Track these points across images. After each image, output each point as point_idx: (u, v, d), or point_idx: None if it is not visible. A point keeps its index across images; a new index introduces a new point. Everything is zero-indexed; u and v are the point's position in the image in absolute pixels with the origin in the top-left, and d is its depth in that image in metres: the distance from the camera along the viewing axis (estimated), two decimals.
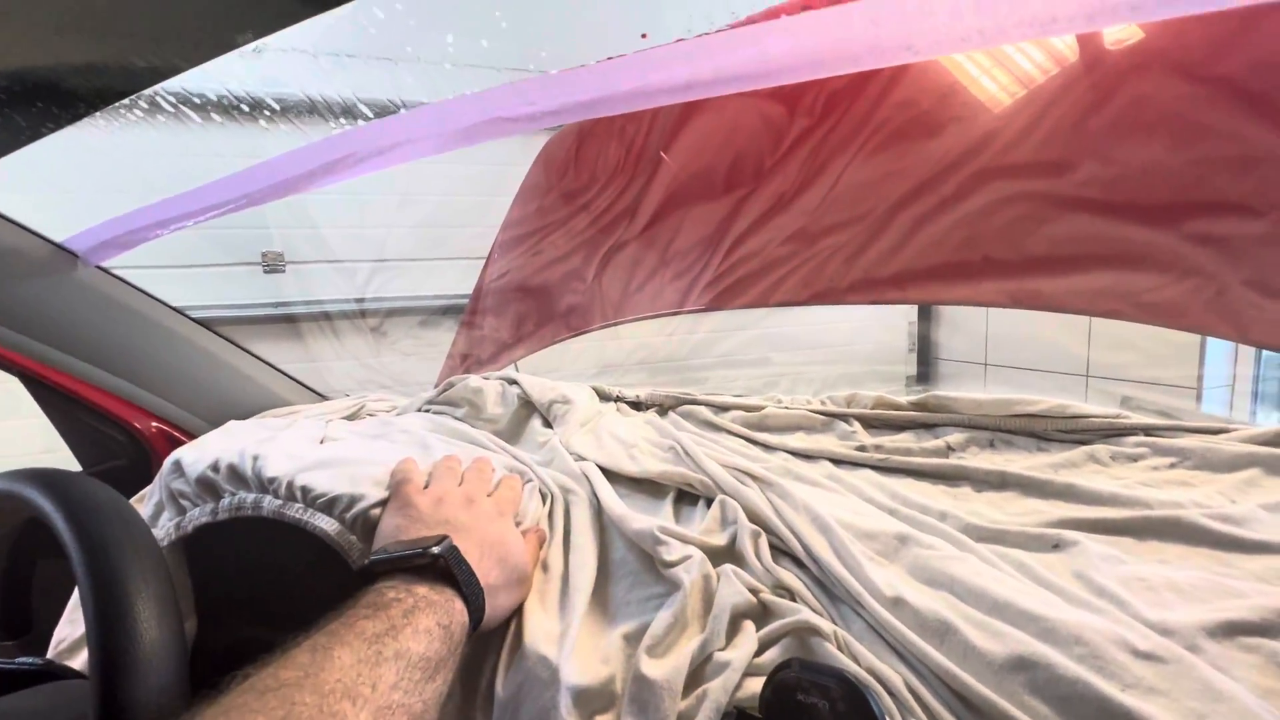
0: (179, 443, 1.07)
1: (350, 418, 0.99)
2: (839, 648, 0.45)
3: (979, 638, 0.43)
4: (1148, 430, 0.68)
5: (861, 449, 0.75)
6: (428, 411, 0.95)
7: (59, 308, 0.76)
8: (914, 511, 0.60)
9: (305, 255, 1.70)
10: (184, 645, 0.38)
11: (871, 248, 0.80)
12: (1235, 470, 0.60)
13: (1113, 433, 0.69)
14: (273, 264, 2.29)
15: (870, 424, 0.80)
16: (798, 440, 0.79)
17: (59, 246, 0.74)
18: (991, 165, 0.72)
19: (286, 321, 1.63)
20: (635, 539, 0.58)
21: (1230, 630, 0.42)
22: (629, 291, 0.96)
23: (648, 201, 0.90)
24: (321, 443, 0.78)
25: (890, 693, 0.42)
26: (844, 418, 0.82)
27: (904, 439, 0.76)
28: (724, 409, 0.89)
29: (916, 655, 0.43)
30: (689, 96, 0.56)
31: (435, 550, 0.46)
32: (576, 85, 0.54)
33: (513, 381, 0.94)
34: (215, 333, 1.00)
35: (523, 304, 1.04)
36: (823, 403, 0.86)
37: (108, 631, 0.35)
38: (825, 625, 0.47)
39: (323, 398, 1.13)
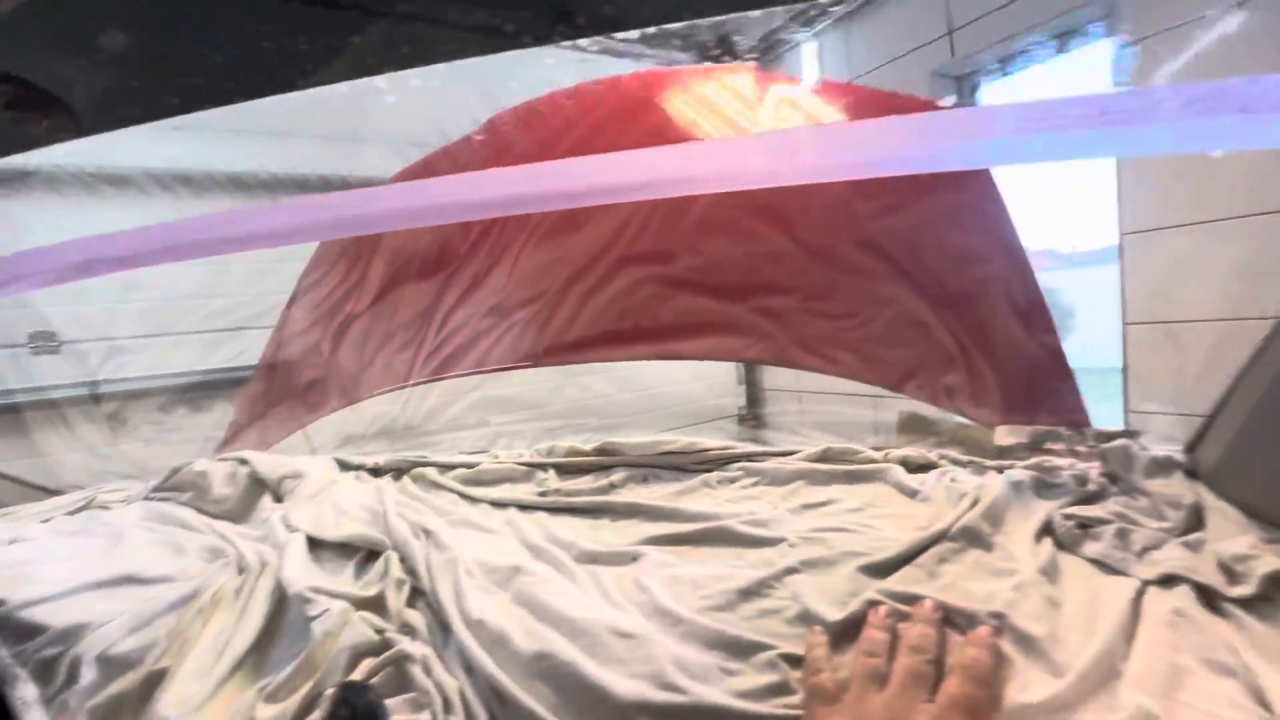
0: None
1: (77, 512, 0.97)
2: (424, 669, 0.56)
3: (523, 642, 0.56)
4: (749, 457, 0.87)
5: (544, 494, 0.88)
6: (152, 499, 0.96)
7: None
8: (550, 545, 0.73)
9: (113, 333, 1.57)
10: None
11: (555, 318, 0.96)
12: (789, 483, 0.80)
13: (726, 461, 0.87)
14: (43, 345, 2.09)
15: (563, 470, 0.94)
16: (501, 491, 0.91)
17: None
18: (626, 254, 0.90)
19: (10, 412, 1.49)
20: (293, 601, 0.66)
21: (705, 609, 0.58)
22: (363, 363, 1.04)
23: (372, 279, 1.00)
24: (11, 543, 0.78)
25: (445, 699, 0.53)
26: (542, 467, 0.95)
27: (584, 481, 0.91)
28: (449, 467, 0.99)
29: (478, 664, 0.55)
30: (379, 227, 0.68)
31: None
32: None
33: (244, 461, 0.98)
34: None
35: (264, 382, 1.08)
36: (533, 455, 0.99)
37: None
38: (418, 652, 0.57)
39: (51, 493, 1.08)
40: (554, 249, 0.93)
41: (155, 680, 0.61)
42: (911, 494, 0.73)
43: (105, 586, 0.67)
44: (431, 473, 0.99)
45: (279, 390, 1.05)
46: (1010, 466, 0.74)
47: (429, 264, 0.99)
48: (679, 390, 3.32)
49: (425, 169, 1.00)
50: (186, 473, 0.96)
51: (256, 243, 0.55)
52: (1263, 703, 0.42)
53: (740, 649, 0.53)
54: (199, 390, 1.55)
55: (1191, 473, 0.61)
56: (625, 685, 0.49)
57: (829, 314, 0.82)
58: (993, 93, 2.36)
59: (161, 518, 0.86)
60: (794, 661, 0.52)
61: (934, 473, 0.76)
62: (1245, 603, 0.49)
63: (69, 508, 0.98)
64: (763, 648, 0.53)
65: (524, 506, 0.87)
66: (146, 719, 0.58)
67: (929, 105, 1.09)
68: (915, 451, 0.80)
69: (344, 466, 1.05)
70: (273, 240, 0.56)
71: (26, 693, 0.57)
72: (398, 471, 1.03)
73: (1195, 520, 0.58)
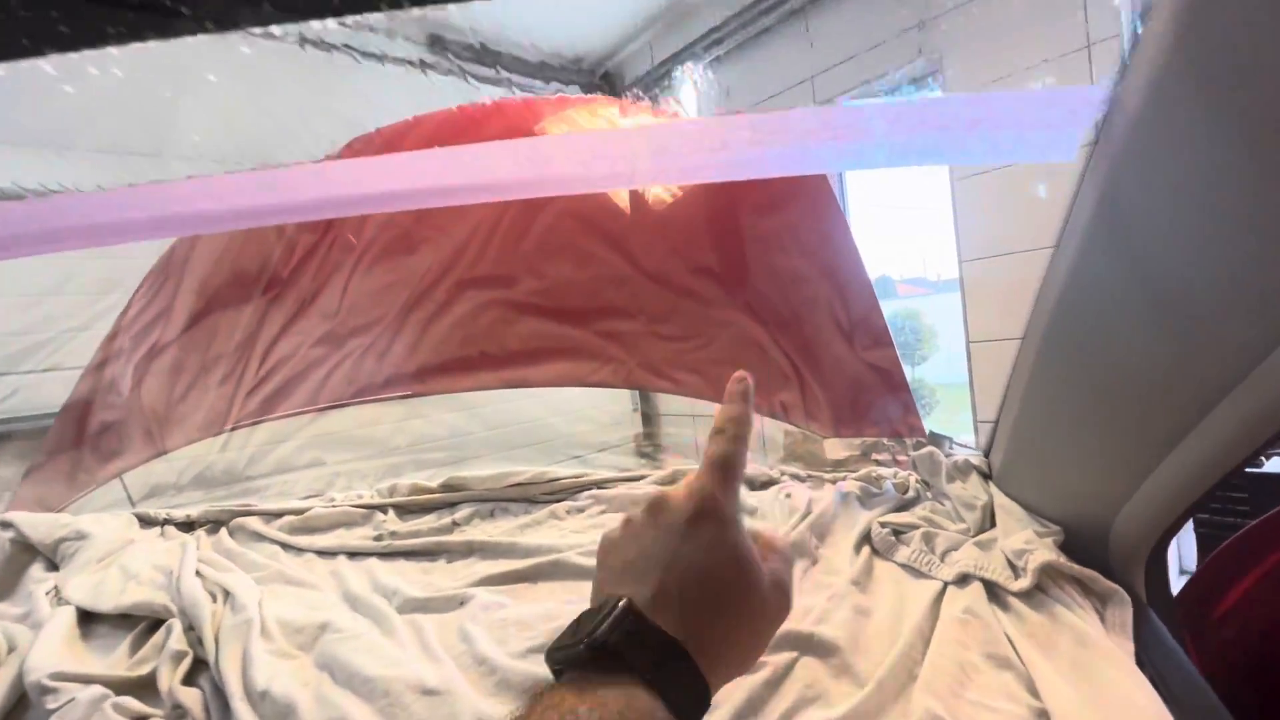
0: None
1: None
2: None
3: (311, 712, 0.49)
4: (600, 484, 0.85)
5: (379, 538, 0.81)
6: None
7: None
8: (373, 595, 0.66)
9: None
10: None
11: (395, 346, 0.89)
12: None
13: (577, 489, 0.84)
14: None
15: (404, 510, 0.87)
16: (332, 538, 0.83)
17: None
18: (465, 277, 0.86)
19: None
20: (30, 692, 0.54)
21: (524, 653, 0.54)
22: (173, 401, 0.92)
23: (181, 303, 0.89)
24: None
25: None
26: (382, 508, 0.87)
27: (426, 520, 0.84)
28: (276, 515, 0.89)
29: None
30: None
31: (599, 632, 0.28)
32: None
33: (7, 525, 0.83)
34: None
35: (55, 430, 0.92)
36: (373, 495, 0.91)
37: None
38: None
39: None
40: (388, 272, 0.87)
41: None
42: (751, 511, 0.74)
43: None
44: (254, 522, 0.88)
45: (62, 438, 0.90)
46: (844, 478, 0.77)
47: (247, 286, 0.89)
48: (580, 414, 3.26)
49: None
50: None
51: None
52: (1033, 691, 0.45)
53: None
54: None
55: (986, 475, 0.66)
56: None
57: (671, 336, 0.82)
58: None
59: None
60: None
61: (773, 489, 0.77)
62: (1025, 595, 0.53)
63: None
64: None
65: (353, 554, 0.79)
66: None
67: None
68: (758, 470, 0.82)
69: (145, 523, 0.91)
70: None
71: None
72: (215, 524, 0.91)
73: (988, 520, 0.62)
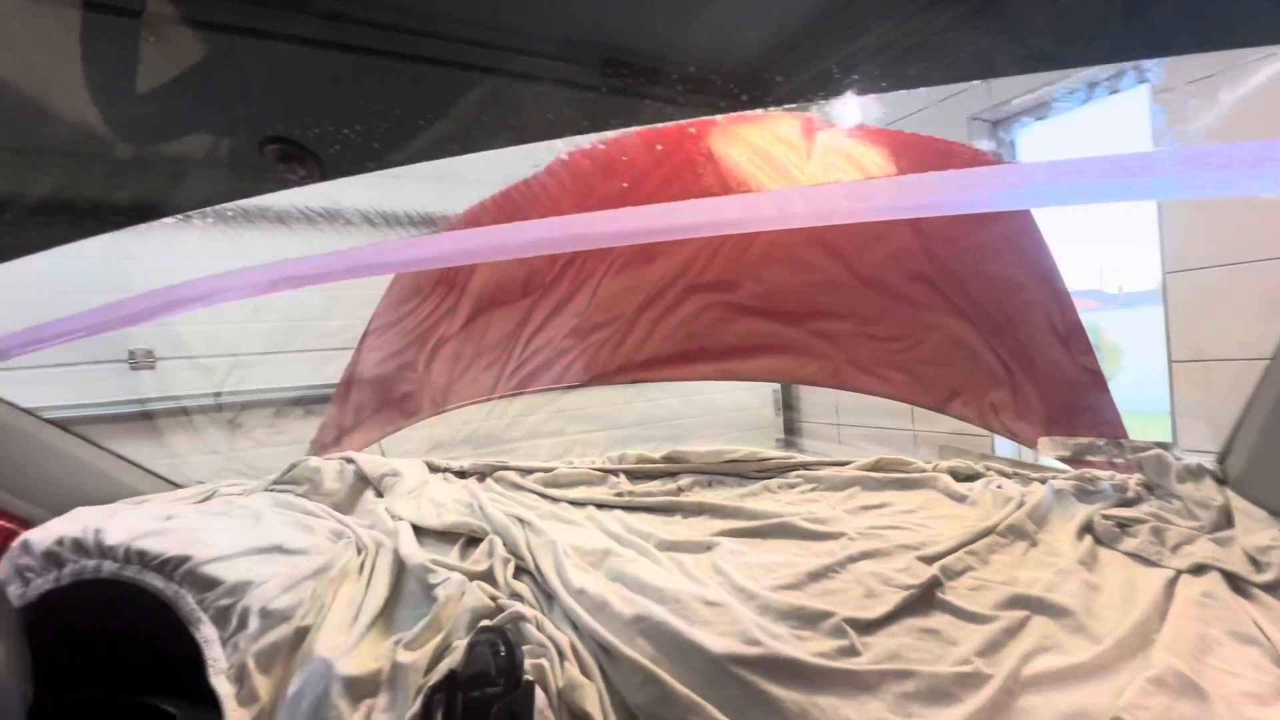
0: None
1: (202, 502, 1.11)
2: (536, 626, 0.65)
3: (621, 607, 0.65)
4: (806, 466, 0.95)
5: (619, 495, 0.98)
6: (272, 490, 1.09)
7: None
8: (630, 535, 0.83)
9: (165, 353, 1.80)
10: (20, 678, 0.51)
11: (628, 340, 1.07)
12: (846, 489, 0.88)
13: (786, 469, 0.96)
14: (141, 361, 2.32)
15: (634, 475, 1.04)
16: (577, 492, 1.02)
17: None
18: (693, 283, 1.01)
19: (144, 419, 1.68)
20: (414, 572, 0.76)
21: (777, 587, 0.66)
22: (452, 379, 1.17)
23: (463, 306, 1.14)
24: (167, 519, 0.91)
25: (558, 649, 0.62)
26: (614, 472, 1.05)
27: (653, 485, 1.00)
28: (528, 472, 1.10)
29: (583, 624, 0.65)
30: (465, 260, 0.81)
31: None
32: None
33: (350, 460, 1.11)
34: (69, 431, 1.10)
35: (362, 393, 1.22)
36: (604, 462, 1.10)
37: None
38: (530, 613, 0.67)
39: (177, 486, 1.23)
40: (629, 278, 1.05)
41: (302, 634, 0.72)
42: (960, 499, 0.80)
43: (261, 553, 0.78)
44: (512, 475, 1.10)
45: (378, 400, 1.18)
46: (1053, 476, 0.81)
47: (516, 292, 1.12)
48: (722, 415, 3.37)
49: (493, 206, 1.14)
50: (303, 467, 1.09)
51: (409, 265, 0.68)
52: None
53: (810, 617, 0.62)
54: (307, 401, 1.72)
55: (1221, 480, 0.68)
56: (717, 641, 0.58)
57: (882, 336, 0.91)
58: (1029, 137, 2.45)
59: (287, 505, 0.98)
60: (857, 625, 0.60)
61: (980, 481, 0.83)
62: (1268, 587, 0.56)
63: (196, 498, 1.12)
64: (828, 615, 0.61)
65: (600, 505, 0.96)
66: (299, 662, 0.68)
67: (969, 151, 1.19)
68: (962, 463, 0.88)
69: (432, 469, 1.16)
70: (425, 263, 0.69)
71: (208, 633, 0.69)
72: (481, 474, 1.14)
73: (1224, 520, 0.64)
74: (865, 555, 0.70)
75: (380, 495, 1.08)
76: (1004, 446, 3.34)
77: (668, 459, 1.04)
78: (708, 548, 0.77)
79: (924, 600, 0.61)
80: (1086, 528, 0.69)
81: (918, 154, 0.96)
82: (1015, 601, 0.59)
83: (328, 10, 0.44)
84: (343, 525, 0.91)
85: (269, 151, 0.48)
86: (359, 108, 0.49)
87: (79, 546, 0.74)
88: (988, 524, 0.70)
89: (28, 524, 1.13)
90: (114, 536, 0.74)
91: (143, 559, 0.72)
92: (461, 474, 1.16)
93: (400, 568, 0.80)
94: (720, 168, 0.99)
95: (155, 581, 0.71)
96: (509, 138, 0.57)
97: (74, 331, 0.81)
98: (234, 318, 1.80)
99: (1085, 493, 0.76)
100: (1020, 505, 0.74)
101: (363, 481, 1.09)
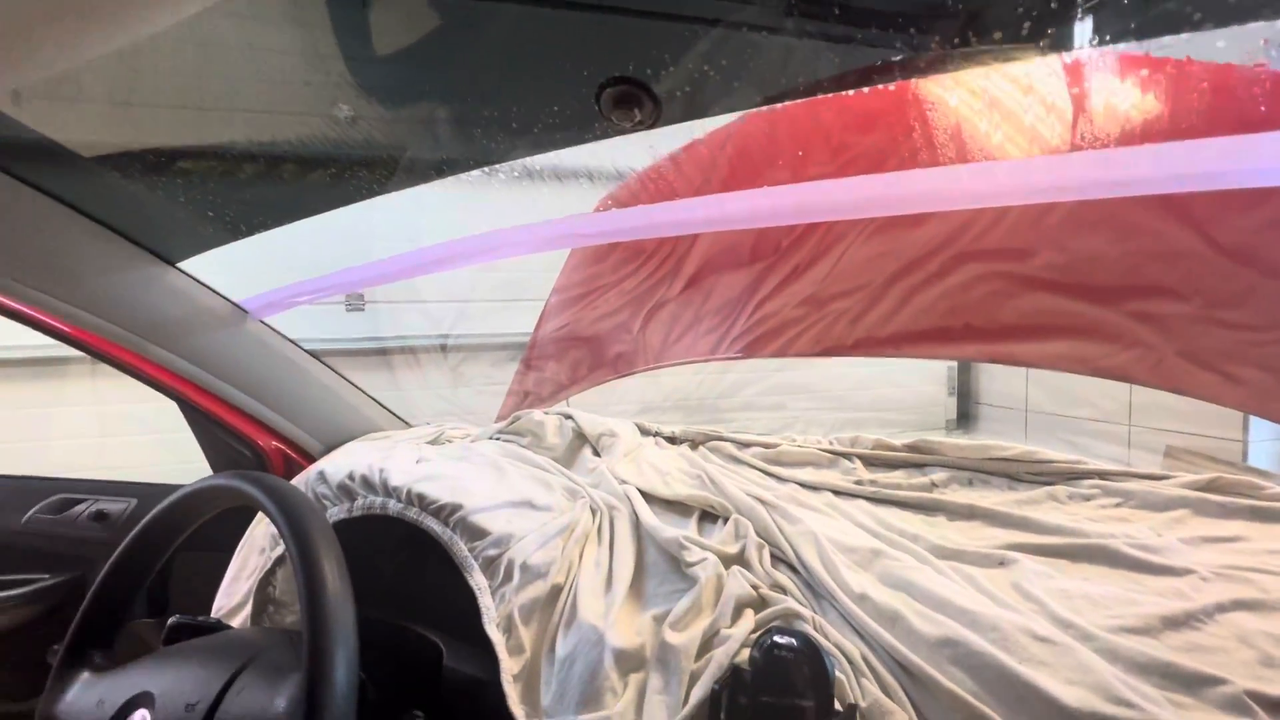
0: (291, 458, 1.29)
1: (433, 443, 1.19)
2: (815, 629, 0.60)
3: (920, 624, 0.57)
4: (1102, 475, 0.79)
5: (859, 483, 0.89)
6: (497, 439, 1.14)
7: (232, 349, 1.00)
8: (892, 534, 0.74)
9: (394, 297, 2.00)
10: (352, 596, 0.56)
11: (871, 312, 0.96)
12: (1168, 510, 0.72)
13: (1073, 475, 0.81)
14: (354, 304, 2.60)
15: (869, 462, 0.94)
16: (806, 474, 0.94)
17: (236, 305, 0.98)
18: (968, 249, 0.87)
19: (379, 354, 1.88)
20: (664, 546, 0.74)
21: (1118, 629, 0.55)
22: (668, 342, 1.13)
23: (685, 270, 1.08)
24: (417, 462, 0.98)
25: (849, 660, 0.56)
26: (847, 456, 0.96)
27: (896, 476, 0.90)
28: (746, 445, 1.04)
29: (872, 635, 0.58)
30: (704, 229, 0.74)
31: None
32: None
33: (568, 416, 1.12)
34: (330, 368, 1.22)
35: (578, 351, 1.23)
36: (831, 443, 1.01)
37: (312, 585, 0.52)
38: (806, 612, 0.61)
39: (408, 425, 1.34)
40: (884, 242, 0.92)
41: (555, 592, 0.73)
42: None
43: (514, 506, 0.81)
44: (729, 447, 1.05)
45: (594, 359, 1.19)
46: None
47: (744, 256, 1.04)
48: (883, 392, 3.13)
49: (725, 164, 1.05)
50: (527, 420, 1.12)
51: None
52: None
53: (1186, 680, 0.49)
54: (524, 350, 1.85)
55: None
56: (1067, 692, 0.48)
57: (1239, 324, 0.71)
58: None
59: (519, 458, 1.01)
60: (1263, 703, 0.47)
61: None
62: None
63: (426, 438, 1.20)
64: (1218, 681, 0.48)
65: (838, 492, 0.88)
66: (557, 622, 0.69)
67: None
68: None
69: (643, 432, 1.15)
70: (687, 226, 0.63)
71: (480, 581, 0.72)
72: (693, 443, 1.11)
73: None
74: (1238, 605, 0.55)
75: (598, 454, 1.08)
76: (1258, 455, 2.74)
77: (912, 448, 0.93)
78: (1000, 562, 0.67)
79: None
80: None
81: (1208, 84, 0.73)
82: None
83: None
84: (575, 484, 0.92)
85: (607, 95, 0.44)
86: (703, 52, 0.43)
87: (367, 483, 0.80)
88: None
89: (296, 447, 1.29)
90: (395, 479, 0.79)
91: (422, 502, 0.76)
92: (673, 439, 1.13)
93: (639, 536, 0.79)
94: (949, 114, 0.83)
95: (434, 525, 0.75)
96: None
97: (367, 280, 0.86)
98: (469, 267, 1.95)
99: None
100: None
101: (580, 439, 1.10)
